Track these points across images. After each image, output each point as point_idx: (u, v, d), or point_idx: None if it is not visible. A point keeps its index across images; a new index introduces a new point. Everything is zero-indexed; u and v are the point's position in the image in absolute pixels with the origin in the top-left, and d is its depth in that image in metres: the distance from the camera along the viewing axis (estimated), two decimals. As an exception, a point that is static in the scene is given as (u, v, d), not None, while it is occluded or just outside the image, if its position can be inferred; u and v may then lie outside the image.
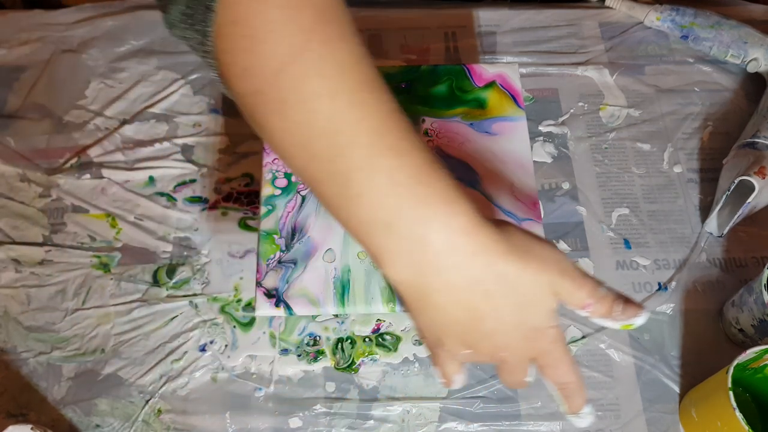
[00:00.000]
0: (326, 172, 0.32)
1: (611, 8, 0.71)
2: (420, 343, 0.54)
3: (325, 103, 0.31)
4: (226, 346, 0.54)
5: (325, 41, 0.31)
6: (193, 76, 0.66)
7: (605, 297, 0.35)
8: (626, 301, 0.35)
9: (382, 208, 0.32)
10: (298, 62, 0.30)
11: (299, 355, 0.53)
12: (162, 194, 0.60)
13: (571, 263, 0.35)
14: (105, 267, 0.57)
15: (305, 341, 0.54)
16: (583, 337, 0.54)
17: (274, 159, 0.51)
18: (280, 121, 0.32)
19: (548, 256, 0.34)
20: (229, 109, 0.64)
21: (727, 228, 0.56)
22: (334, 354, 0.53)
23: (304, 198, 0.50)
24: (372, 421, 0.51)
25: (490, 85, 0.55)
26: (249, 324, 0.54)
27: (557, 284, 0.34)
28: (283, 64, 0.30)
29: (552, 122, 0.64)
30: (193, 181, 0.61)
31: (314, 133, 0.31)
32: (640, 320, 0.36)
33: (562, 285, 0.34)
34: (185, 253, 0.57)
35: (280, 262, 0.47)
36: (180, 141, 0.62)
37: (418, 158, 0.32)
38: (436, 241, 0.32)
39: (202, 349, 0.54)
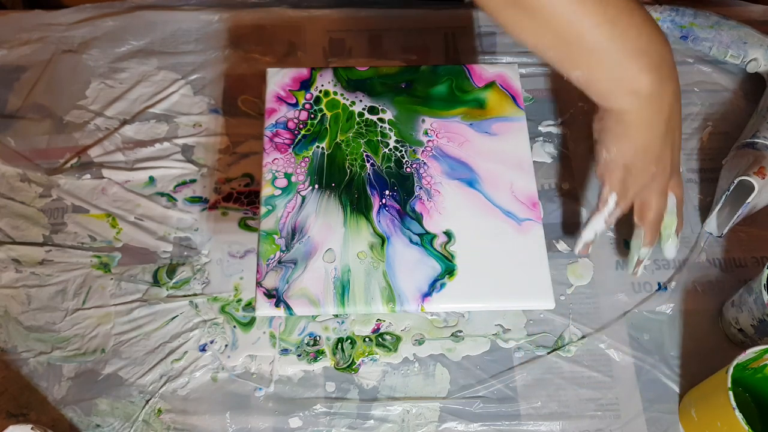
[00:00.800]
0: (598, 17, 0.41)
1: (611, 8, 0.71)
2: (420, 343, 0.54)
3: None
4: (226, 346, 0.54)
5: None
6: (193, 76, 0.66)
7: None
8: None
9: (645, 25, 0.43)
10: None
11: (299, 355, 0.53)
12: (162, 194, 0.60)
13: None
14: (105, 267, 0.57)
15: (305, 341, 0.54)
16: (583, 337, 0.54)
17: (274, 159, 0.51)
18: None
19: None
20: (229, 109, 0.64)
21: (727, 228, 0.56)
22: (334, 354, 0.53)
23: (304, 198, 0.50)
24: (372, 421, 0.51)
25: (490, 85, 0.55)
26: (249, 324, 0.54)
27: None
28: None
29: (552, 122, 0.64)
30: (193, 181, 0.61)
31: None
32: None
33: None
34: (185, 253, 0.57)
35: (280, 262, 0.47)
36: (180, 141, 0.63)
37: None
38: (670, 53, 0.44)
39: (202, 349, 0.54)
